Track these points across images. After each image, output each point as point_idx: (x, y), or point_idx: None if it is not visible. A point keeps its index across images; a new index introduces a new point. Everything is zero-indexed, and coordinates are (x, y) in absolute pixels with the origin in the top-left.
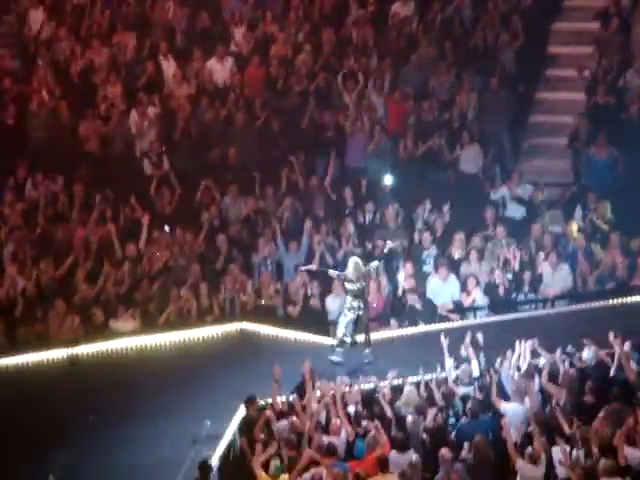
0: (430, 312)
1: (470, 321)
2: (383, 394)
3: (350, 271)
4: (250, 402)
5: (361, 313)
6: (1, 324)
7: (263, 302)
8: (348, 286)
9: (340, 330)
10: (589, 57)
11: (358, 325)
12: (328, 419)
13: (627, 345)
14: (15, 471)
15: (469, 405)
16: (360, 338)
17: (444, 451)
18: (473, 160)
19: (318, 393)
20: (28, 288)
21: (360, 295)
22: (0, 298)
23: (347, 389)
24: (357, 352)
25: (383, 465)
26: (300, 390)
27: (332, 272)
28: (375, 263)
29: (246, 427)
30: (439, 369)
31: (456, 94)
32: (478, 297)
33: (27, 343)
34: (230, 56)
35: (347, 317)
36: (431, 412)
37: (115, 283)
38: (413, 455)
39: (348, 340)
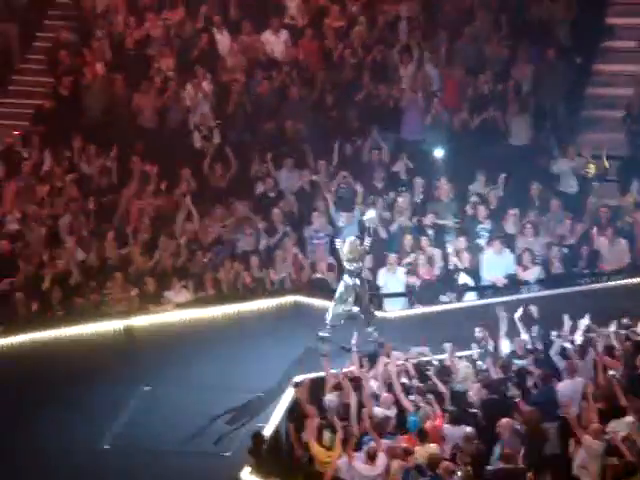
0: (482, 286)
1: (524, 295)
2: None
3: (346, 250)
4: (298, 386)
5: (359, 291)
6: (58, 295)
7: (318, 275)
8: (346, 265)
9: (335, 308)
10: None
11: (358, 303)
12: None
13: None
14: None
15: (535, 377)
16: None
17: (505, 421)
18: (523, 132)
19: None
20: (87, 260)
21: (357, 274)
22: (58, 269)
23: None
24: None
25: (423, 436)
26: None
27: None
28: (368, 241)
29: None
30: (491, 344)
31: (512, 66)
32: (533, 271)
33: (83, 314)
34: (285, 28)
35: (344, 296)
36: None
37: (171, 256)
38: (467, 428)
39: (342, 320)
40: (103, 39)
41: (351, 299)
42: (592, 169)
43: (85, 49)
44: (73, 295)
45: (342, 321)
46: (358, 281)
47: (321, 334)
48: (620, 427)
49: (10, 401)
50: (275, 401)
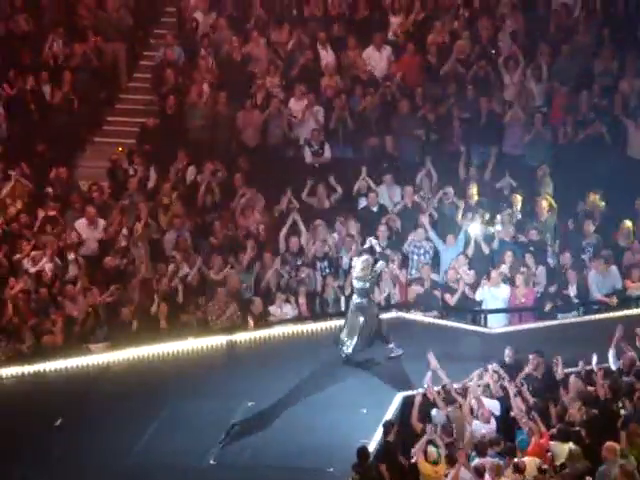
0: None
1: (632, 311)
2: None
3: (358, 268)
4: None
5: (367, 312)
6: (165, 310)
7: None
8: (355, 284)
9: (346, 329)
10: None
11: (366, 325)
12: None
13: None
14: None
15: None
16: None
17: (611, 445)
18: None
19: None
20: (191, 275)
21: (365, 294)
22: (164, 285)
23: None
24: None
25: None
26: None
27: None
28: (381, 264)
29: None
30: (595, 360)
31: (619, 80)
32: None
33: (189, 329)
34: (387, 44)
35: (353, 315)
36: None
37: (275, 273)
38: (572, 445)
39: (351, 339)
40: (208, 57)
41: (361, 319)
42: None
43: (190, 68)
44: (179, 311)
45: (355, 338)
46: (365, 301)
47: (344, 350)
48: None
49: (117, 414)
50: (378, 416)
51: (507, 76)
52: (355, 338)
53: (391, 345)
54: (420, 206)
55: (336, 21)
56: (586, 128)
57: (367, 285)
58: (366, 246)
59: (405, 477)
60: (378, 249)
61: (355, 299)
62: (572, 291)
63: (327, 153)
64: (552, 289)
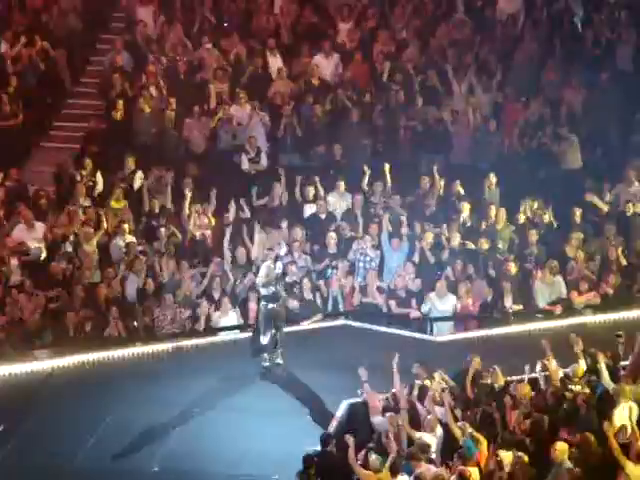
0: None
1: (573, 320)
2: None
3: (262, 276)
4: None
5: (276, 316)
6: (114, 315)
7: (368, 299)
8: (261, 291)
9: (260, 336)
10: None
11: (277, 332)
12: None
13: None
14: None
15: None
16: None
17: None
18: (574, 156)
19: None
20: (138, 281)
21: (273, 299)
22: (112, 290)
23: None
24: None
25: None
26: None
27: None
28: (280, 265)
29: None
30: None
31: (564, 90)
32: (588, 296)
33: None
34: (336, 52)
35: (264, 326)
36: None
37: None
38: (518, 452)
39: (265, 343)
40: (156, 63)
41: (270, 327)
42: None
43: (139, 73)
44: (127, 317)
45: (266, 343)
46: (276, 306)
47: (264, 364)
48: None
49: (62, 420)
50: (323, 423)
51: (456, 85)
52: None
53: (279, 351)
54: (369, 214)
55: (284, 29)
56: (532, 139)
57: (272, 290)
58: (279, 252)
59: None
60: (282, 253)
61: (265, 305)
62: (507, 302)
63: (263, 161)
64: (489, 299)
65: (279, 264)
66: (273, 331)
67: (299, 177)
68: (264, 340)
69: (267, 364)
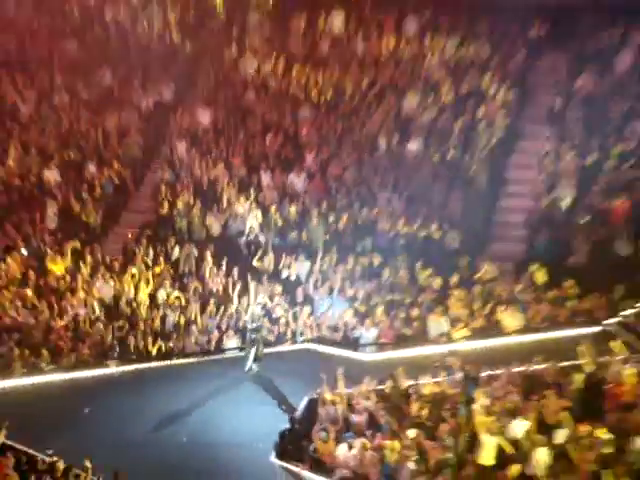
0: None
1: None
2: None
3: (249, 315)
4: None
5: (258, 343)
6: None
7: (323, 332)
8: (250, 326)
9: (248, 356)
10: None
11: (257, 352)
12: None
13: None
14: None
15: None
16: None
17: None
18: None
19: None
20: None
21: (256, 331)
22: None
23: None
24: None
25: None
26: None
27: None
28: (258, 309)
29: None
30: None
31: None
32: (463, 332)
33: None
34: (303, 172)
35: (249, 347)
36: None
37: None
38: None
39: (251, 362)
40: (188, 178)
41: (253, 350)
42: None
43: (176, 184)
44: (167, 340)
45: (252, 361)
46: (255, 335)
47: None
48: None
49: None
50: (289, 412)
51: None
52: (252, 360)
53: (255, 365)
54: (322, 276)
55: (271, 156)
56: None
57: (255, 325)
58: (260, 301)
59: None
60: (263, 302)
61: (250, 335)
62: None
63: (260, 240)
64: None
65: (259, 308)
66: (254, 351)
67: (279, 251)
68: (250, 357)
69: (252, 372)
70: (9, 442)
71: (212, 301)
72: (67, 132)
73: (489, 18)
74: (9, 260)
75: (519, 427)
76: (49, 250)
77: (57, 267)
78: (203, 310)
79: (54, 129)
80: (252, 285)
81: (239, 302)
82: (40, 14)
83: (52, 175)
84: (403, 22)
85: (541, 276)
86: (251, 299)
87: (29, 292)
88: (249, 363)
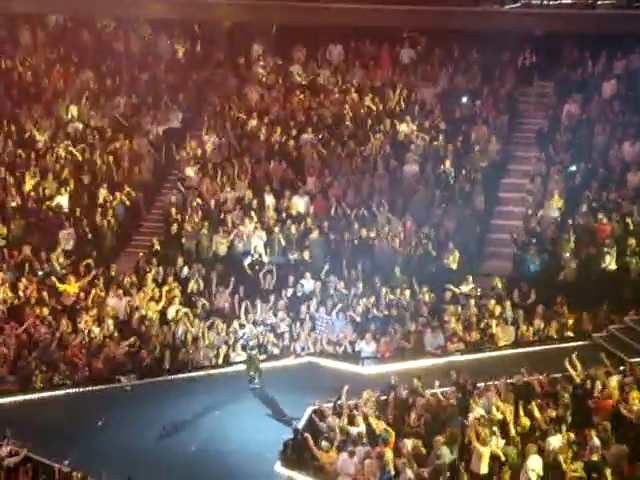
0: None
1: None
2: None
3: (247, 333)
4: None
5: (255, 359)
6: None
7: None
8: (251, 343)
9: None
10: None
11: (255, 367)
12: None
13: None
14: None
15: None
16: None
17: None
18: None
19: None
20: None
21: (254, 348)
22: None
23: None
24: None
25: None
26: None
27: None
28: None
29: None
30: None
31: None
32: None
33: None
34: (306, 195)
35: (249, 362)
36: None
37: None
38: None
39: (254, 375)
40: (196, 202)
41: (254, 365)
42: None
43: (185, 208)
44: (176, 354)
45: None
46: (254, 352)
47: (253, 386)
48: None
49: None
50: (296, 423)
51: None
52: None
53: (257, 381)
54: (324, 292)
55: (275, 180)
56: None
57: (254, 342)
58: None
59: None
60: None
61: (250, 351)
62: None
63: (264, 259)
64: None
65: (255, 326)
66: (251, 366)
67: (282, 270)
68: (250, 372)
69: (255, 386)
70: (29, 454)
71: (218, 317)
72: (81, 158)
73: (480, 48)
74: (26, 280)
75: (512, 436)
76: (64, 270)
77: (72, 287)
78: (210, 326)
79: (69, 155)
80: (255, 303)
81: (245, 318)
82: (55, 46)
83: (66, 199)
84: (398, 53)
85: (531, 291)
86: (250, 317)
87: (46, 310)
88: (250, 377)
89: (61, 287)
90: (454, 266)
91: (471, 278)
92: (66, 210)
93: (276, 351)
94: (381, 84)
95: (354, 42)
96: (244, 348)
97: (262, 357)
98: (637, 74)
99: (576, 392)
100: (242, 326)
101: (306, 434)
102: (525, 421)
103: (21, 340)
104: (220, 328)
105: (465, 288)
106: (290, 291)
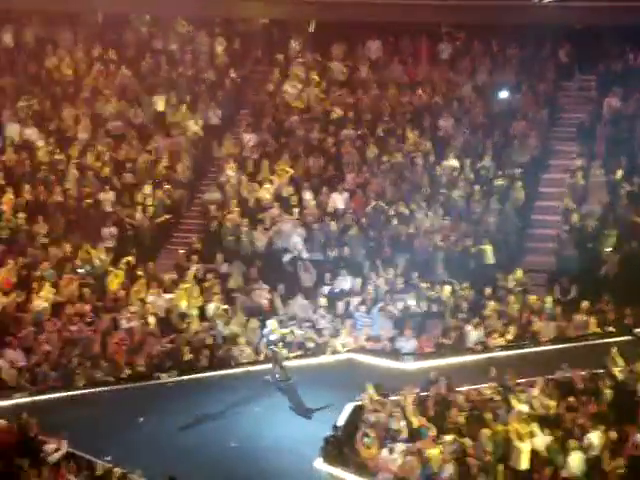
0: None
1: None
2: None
3: (269, 328)
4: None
5: (278, 354)
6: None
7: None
8: (273, 339)
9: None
10: None
11: (279, 363)
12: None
13: None
14: None
15: None
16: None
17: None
18: None
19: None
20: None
21: (276, 344)
22: None
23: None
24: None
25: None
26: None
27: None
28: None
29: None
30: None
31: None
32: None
33: None
34: (345, 191)
35: (276, 362)
36: None
37: None
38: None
39: (275, 370)
40: (236, 199)
41: (277, 359)
42: None
43: (225, 205)
44: (215, 351)
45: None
46: (275, 347)
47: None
48: None
49: None
50: (336, 419)
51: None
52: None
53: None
54: (363, 289)
55: (315, 176)
56: None
57: (273, 337)
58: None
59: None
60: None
61: (274, 347)
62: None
63: (304, 254)
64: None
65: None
66: (276, 363)
67: (322, 266)
68: (274, 368)
69: (272, 380)
70: (71, 450)
71: (258, 314)
72: (121, 156)
73: (519, 42)
74: (68, 277)
75: (553, 433)
76: (105, 268)
77: (113, 284)
78: (249, 323)
79: (109, 153)
80: (294, 299)
81: (285, 314)
82: (95, 45)
83: (108, 197)
84: (437, 48)
85: (572, 287)
86: (288, 313)
87: (87, 307)
88: (275, 373)
89: (102, 284)
90: (492, 261)
91: (514, 273)
92: (108, 208)
93: (315, 348)
94: (420, 79)
95: (393, 37)
96: (270, 344)
97: (287, 353)
98: None
99: (618, 388)
100: (279, 323)
101: (350, 430)
102: (567, 417)
103: (63, 337)
104: (259, 325)
105: (508, 283)
106: (329, 288)
